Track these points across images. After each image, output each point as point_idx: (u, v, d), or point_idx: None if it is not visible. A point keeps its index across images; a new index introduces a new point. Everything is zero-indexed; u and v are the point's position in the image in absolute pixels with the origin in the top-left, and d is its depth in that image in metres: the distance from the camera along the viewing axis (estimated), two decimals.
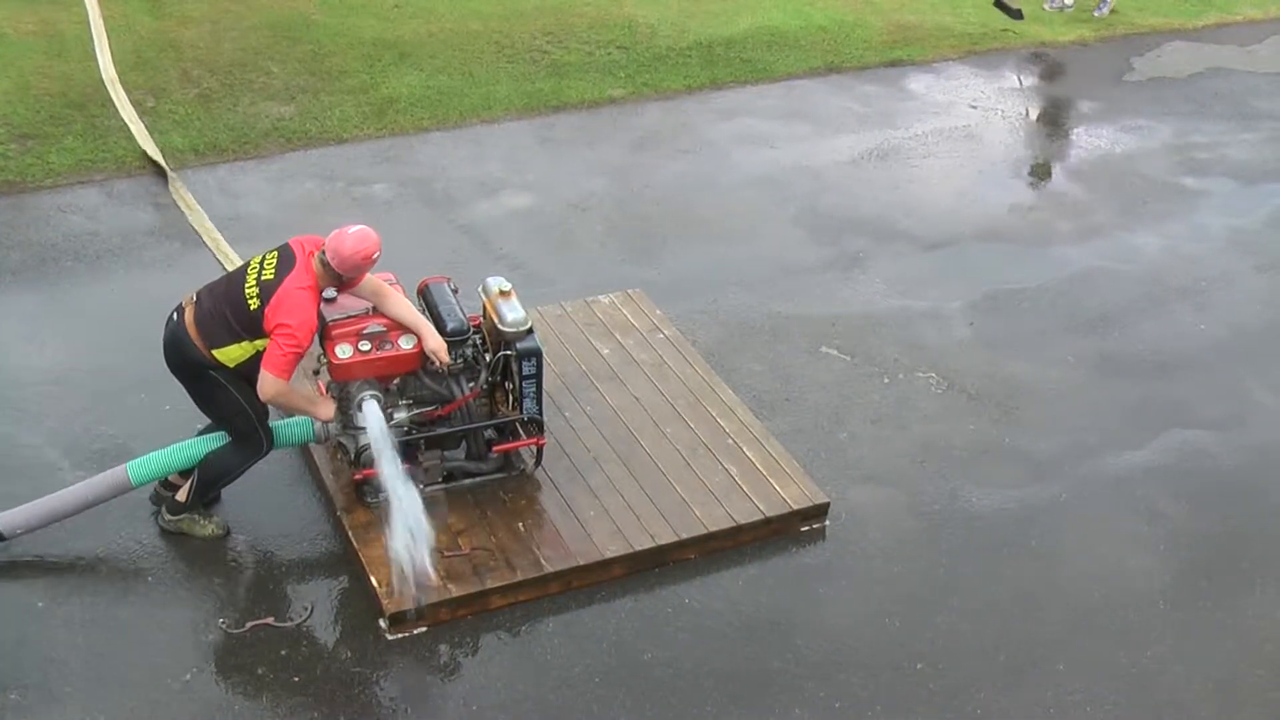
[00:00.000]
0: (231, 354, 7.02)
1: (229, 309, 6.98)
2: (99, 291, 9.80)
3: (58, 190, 11.06)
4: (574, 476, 7.92)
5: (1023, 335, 9.88)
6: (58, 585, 7.28)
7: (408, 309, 7.34)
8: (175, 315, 7.18)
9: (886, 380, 9.25)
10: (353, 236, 6.92)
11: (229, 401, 7.19)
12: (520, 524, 7.56)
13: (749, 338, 9.57)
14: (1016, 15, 15.09)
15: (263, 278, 6.97)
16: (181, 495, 7.48)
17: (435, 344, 7.29)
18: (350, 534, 7.42)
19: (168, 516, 7.53)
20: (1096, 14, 15.69)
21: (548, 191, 11.30)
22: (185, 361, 7.13)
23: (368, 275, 7.22)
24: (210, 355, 7.04)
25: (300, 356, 6.98)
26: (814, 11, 15.23)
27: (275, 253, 7.09)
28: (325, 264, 6.96)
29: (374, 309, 7.32)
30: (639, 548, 7.47)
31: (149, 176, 11.20)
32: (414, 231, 10.55)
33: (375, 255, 7.01)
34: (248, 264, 7.18)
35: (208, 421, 7.51)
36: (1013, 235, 11.19)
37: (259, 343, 6.95)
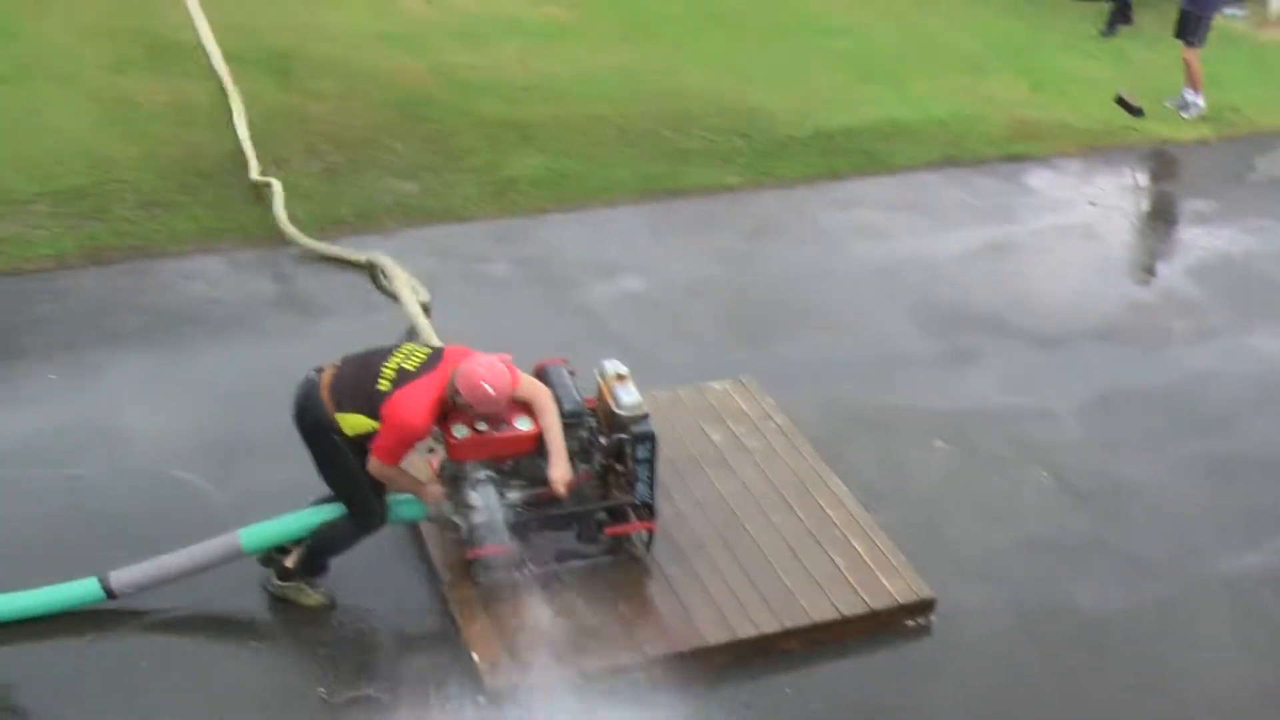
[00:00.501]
0: (351, 422, 7.13)
1: (363, 379, 7.11)
2: (218, 359, 9.97)
3: (182, 257, 11.30)
4: (679, 560, 7.94)
5: (1136, 435, 9.79)
6: (161, 645, 7.39)
7: (554, 425, 7.36)
8: (314, 373, 7.32)
9: (996, 476, 9.20)
10: (473, 381, 7.02)
11: (346, 469, 7.28)
12: (623, 605, 7.59)
13: (859, 428, 9.57)
14: (1138, 113, 15.05)
15: (403, 366, 7.11)
16: (290, 562, 7.57)
17: (561, 475, 7.31)
18: (454, 609, 7.48)
19: (275, 582, 7.63)
20: (1185, 115, 15.53)
21: (663, 276, 11.39)
22: (311, 419, 7.24)
23: (527, 378, 7.36)
24: (334, 418, 7.15)
25: (407, 452, 7.11)
26: (933, 104, 15.28)
27: (428, 350, 7.25)
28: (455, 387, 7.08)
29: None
30: (742, 635, 7.46)
31: (272, 247, 11.41)
32: (530, 311, 10.67)
33: (494, 398, 7.07)
34: (399, 346, 7.33)
35: (320, 495, 7.62)
36: (1129, 334, 11.12)
37: (377, 423, 7.06)
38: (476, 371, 7.03)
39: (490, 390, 7.02)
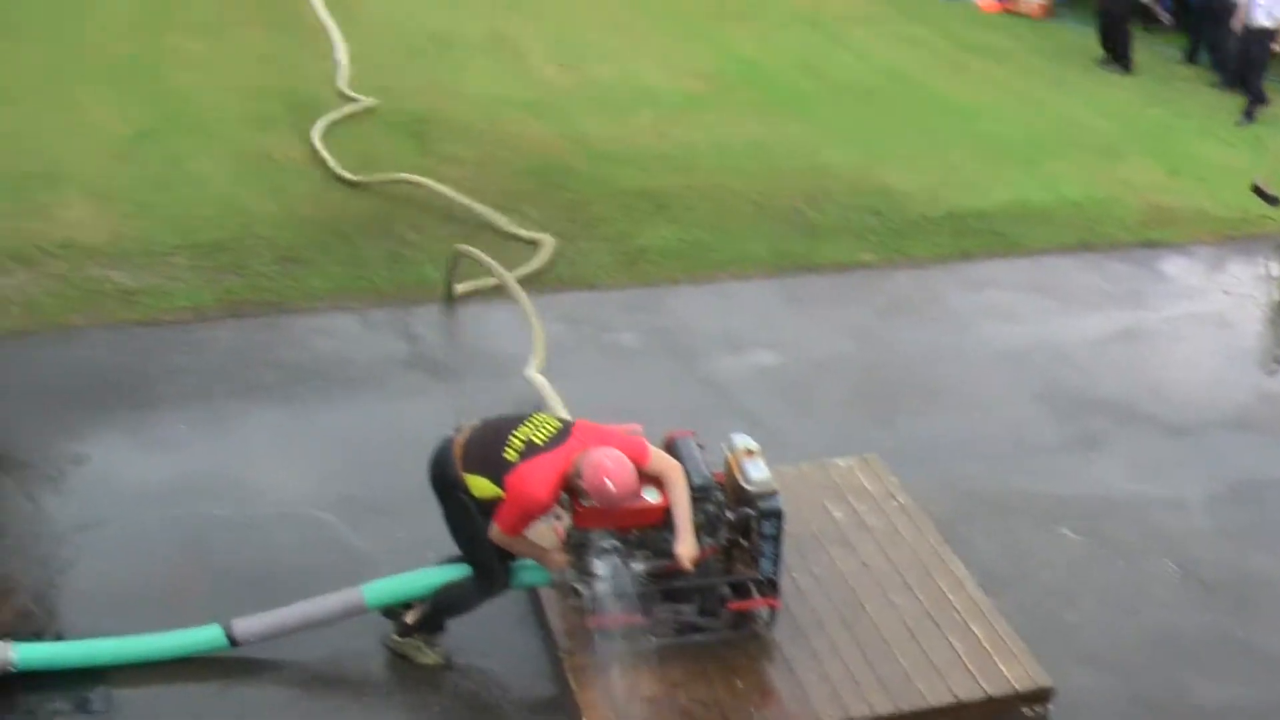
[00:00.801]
0: (478, 485, 7.20)
1: (492, 445, 7.17)
2: (347, 415, 10.11)
3: (315, 314, 11.49)
4: (797, 637, 7.90)
5: (1267, 528, 9.63)
6: (279, 696, 7.49)
7: (682, 499, 7.35)
8: (453, 433, 7.42)
9: (1120, 564, 9.09)
10: (597, 474, 7.00)
11: (473, 529, 7.34)
12: (738, 681, 7.57)
13: (982, 511, 9.50)
14: (1274, 201, 14.86)
15: (532, 438, 7.15)
16: (411, 619, 7.63)
17: (687, 549, 7.29)
18: (570, 676, 7.48)
19: (394, 637, 7.70)
20: None
21: (792, 351, 11.40)
22: (442, 477, 7.33)
23: (656, 451, 7.40)
24: (463, 479, 7.23)
25: (530, 523, 7.16)
26: (1068, 187, 15.21)
27: (558, 424, 7.28)
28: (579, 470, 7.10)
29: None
30: (856, 716, 7.42)
31: (404, 307, 11.58)
32: (658, 382, 10.71)
33: (614, 496, 7.05)
34: (531, 416, 7.39)
35: (446, 555, 7.70)
36: (1261, 425, 10.96)
37: (501, 491, 7.11)
38: (604, 465, 7.01)
39: (612, 488, 7.01)
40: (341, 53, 17.51)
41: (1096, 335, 12.15)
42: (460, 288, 11.61)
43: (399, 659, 7.71)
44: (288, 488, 9.17)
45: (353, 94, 16.14)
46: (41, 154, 14.23)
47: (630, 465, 7.08)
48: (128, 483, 9.20)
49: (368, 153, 14.62)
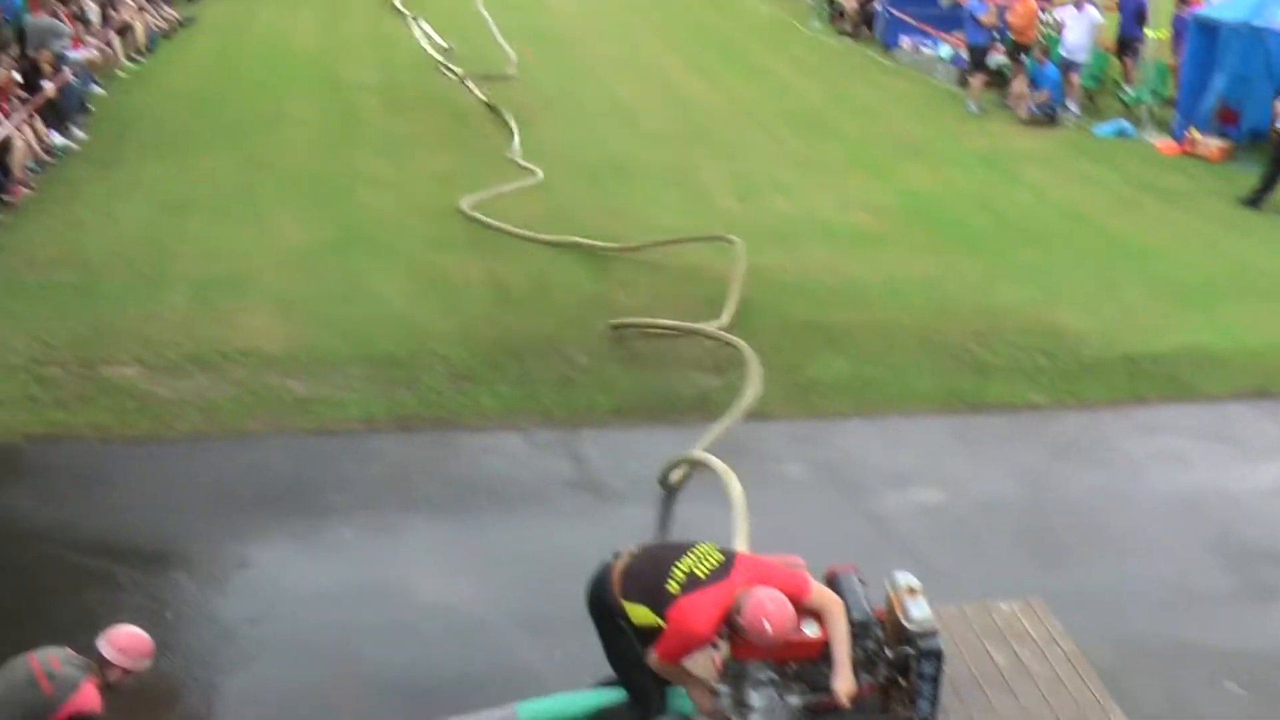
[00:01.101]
0: (637, 613, 7.26)
1: (653, 575, 7.23)
2: (508, 533, 10.25)
3: (484, 431, 11.71)
4: None
5: None
6: None
7: (841, 635, 7.35)
8: (611, 558, 7.50)
9: None
10: (757, 616, 7.03)
11: (629, 655, 7.41)
12: None
13: (1147, 661, 9.33)
14: None
15: (694, 571, 7.19)
16: None
17: (845, 685, 7.27)
18: None
19: None
20: None
21: (958, 489, 11.33)
22: (600, 602, 7.42)
23: (818, 585, 7.43)
24: (622, 605, 7.30)
25: (689, 654, 7.21)
26: (1246, 332, 14.98)
27: (721, 556, 7.31)
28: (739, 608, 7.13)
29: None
30: None
31: (571, 429, 11.75)
32: (821, 515, 10.70)
33: (770, 638, 7.07)
34: (692, 546, 7.42)
35: (601, 677, 7.78)
36: None
37: (661, 620, 7.15)
38: (764, 607, 7.03)
39: (769, 630, 7.02)
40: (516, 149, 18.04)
41: (1273, 485, 11.90)
42: (675, 475, 11.18)
43: None
44: (447, 600, 9.30)
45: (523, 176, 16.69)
46: (228, 262, 14.78)
47: (790, 608, 7.10)
48: (292, 587, 9.43)
49: (542, 273, 14.95)
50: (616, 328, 13.17)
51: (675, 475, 10.80)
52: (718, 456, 10.44)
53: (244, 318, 13.43)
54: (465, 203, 16.60)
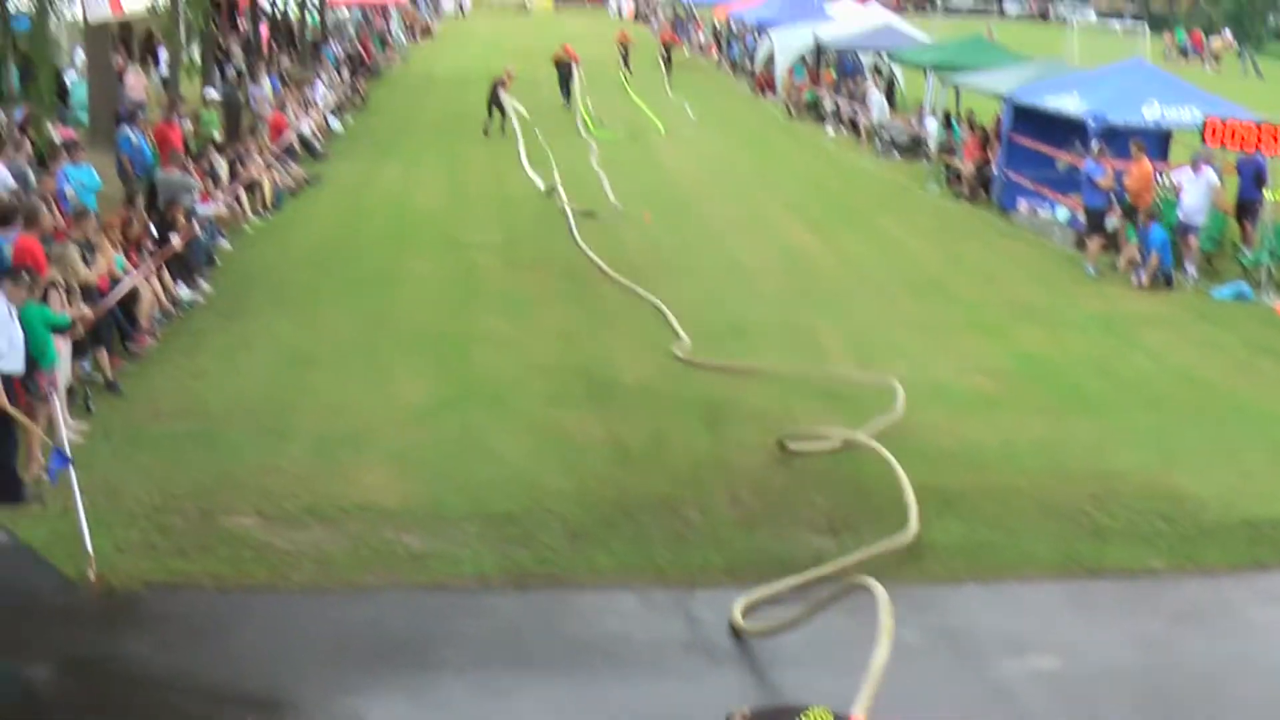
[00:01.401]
0: None
1: None
2: (621, 694, 10.28)
3: (598, 590, 11.75)
4: None
5: None
6: None
7: None
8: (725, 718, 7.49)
9: None
10: None
11: None
12: None
13: None
14: None
15: None
16: None
17: None
18: None
19: None
20: None
21: (1076, 657, 11.16)
22: None
23: None
24: None
25: None
26: None
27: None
28: None
29: None
30: None
31: (685, 590, 11.74)
32: (935, 681, 10.58)
33: None
34: (805, 710, 7.36)
35: None
36: None
37: None
38: None
39: None
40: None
41: None
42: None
43: None
44: None
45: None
46: (348, 418, 15.02)
47: None
48: None
49: (659, 431, 15.06)
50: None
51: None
52: (832, 618, 10.40)
53: (362, 472, 13.63)
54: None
